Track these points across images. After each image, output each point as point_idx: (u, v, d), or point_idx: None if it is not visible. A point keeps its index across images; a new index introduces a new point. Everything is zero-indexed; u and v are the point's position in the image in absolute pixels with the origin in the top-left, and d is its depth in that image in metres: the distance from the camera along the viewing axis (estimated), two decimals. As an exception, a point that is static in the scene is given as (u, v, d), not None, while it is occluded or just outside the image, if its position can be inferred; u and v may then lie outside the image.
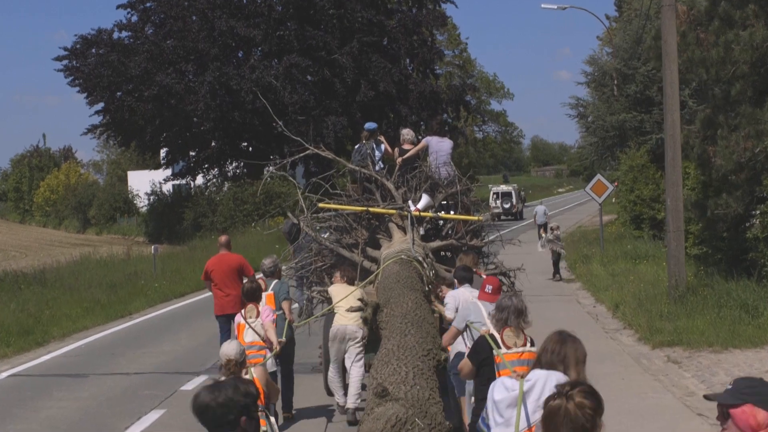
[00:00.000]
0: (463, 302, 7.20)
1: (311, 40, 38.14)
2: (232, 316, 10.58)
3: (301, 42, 38.26)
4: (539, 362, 4.33)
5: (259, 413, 4.68)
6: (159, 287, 20.18)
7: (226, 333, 11.08)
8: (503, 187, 53.44)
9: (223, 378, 4.15)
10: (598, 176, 24.63)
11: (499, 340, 5.45)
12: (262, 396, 5.32)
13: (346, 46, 38.22)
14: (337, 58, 37.91)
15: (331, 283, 9.20)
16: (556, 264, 21.41)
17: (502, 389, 4.30)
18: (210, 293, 11.69)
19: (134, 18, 40.29)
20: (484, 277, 7.76)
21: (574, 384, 3.08)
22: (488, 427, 4.47)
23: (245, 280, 9.12)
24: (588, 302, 17.64)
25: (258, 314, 8.06)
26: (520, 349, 5.49)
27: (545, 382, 4.15)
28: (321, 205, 10.42)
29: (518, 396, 4.19)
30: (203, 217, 38.84)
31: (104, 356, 13.16)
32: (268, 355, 7.82)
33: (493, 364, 5.38)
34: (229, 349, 5.88)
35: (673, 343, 12.14)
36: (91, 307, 17.46)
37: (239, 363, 5.77)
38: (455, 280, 7.94)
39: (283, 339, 8.36)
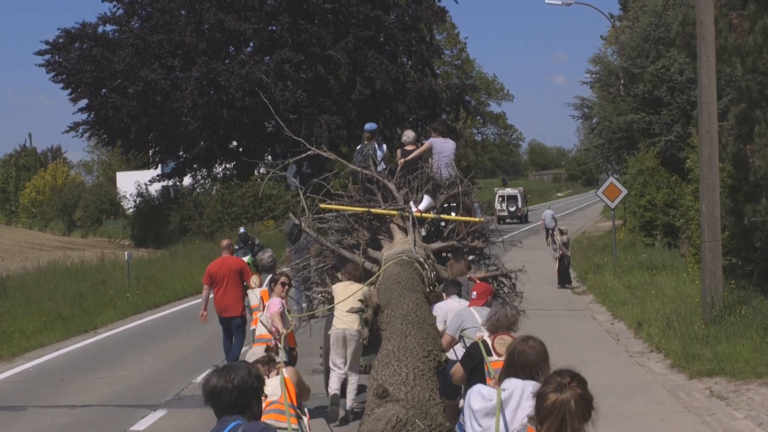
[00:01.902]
0: (451, 312, 7.35)
1: (304, 35, 36.32)
2: (232, 319, 10.87)
3: (294, 37, 36.42)
4: (510, 370, 4.19)
5: (291, 412, 5.21)
6: (131, 297, 18.31)
7: (228, 335, 10.99)
8: (509, 190, 52.74)
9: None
10: (611, 179, 23.01)
11: (491, 347, 5.40)
12: (294, 395, 5.54)
13: (341, 41, 36.31)
14: (331, 54, 36.04)
15: (335, 282, 9.22)
16: (567, 270, 20.22)
17: (479, 398, 4.16)
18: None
19: (120, 11, 38.51)
20: (477, 281, 7.88)
21: (572, 376, 3.15)
22: None
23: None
24: (604, 318, 15.97)
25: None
26: None
27: (522, 391, 4.03)
28: (322, 205, 10.33)
29: (496, 406, 4.06)
30: (189, 220, 36.99)
31: (52, 382, 11.35)
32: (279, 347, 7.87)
33: (484, 371, 5.33)
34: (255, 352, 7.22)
35: (714, 373, 10.42)
36: (50, 320, 15.61)
37: (266, 363, 5.98)
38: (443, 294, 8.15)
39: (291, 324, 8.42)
